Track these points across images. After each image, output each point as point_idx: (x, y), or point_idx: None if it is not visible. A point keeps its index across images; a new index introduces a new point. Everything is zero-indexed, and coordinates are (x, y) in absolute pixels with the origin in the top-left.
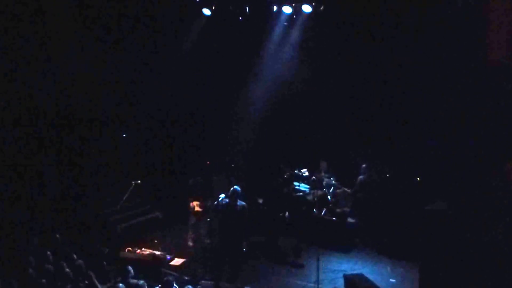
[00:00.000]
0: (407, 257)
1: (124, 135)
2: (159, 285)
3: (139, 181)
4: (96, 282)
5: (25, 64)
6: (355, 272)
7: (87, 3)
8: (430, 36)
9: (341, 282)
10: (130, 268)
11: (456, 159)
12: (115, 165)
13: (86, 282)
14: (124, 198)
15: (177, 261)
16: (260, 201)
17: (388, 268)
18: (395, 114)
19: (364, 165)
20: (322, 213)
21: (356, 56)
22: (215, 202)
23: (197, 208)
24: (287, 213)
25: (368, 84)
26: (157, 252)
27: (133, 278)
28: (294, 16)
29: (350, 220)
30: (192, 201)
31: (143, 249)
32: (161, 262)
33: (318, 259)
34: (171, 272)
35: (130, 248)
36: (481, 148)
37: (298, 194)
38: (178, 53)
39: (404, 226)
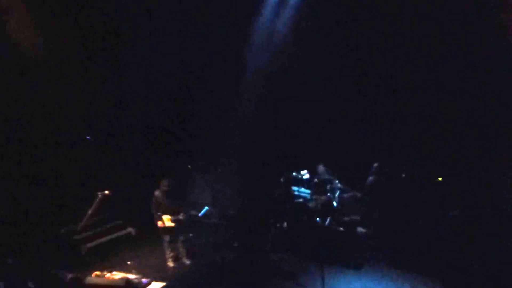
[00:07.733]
0: (429, 272)
1: (88, 137)
2: None
3: (106, 192)
4: None
5: None
6: None
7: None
8: (433, 26)
9: None
10: None
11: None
12: (78, 173)
13: None
14: (90, 212)
15: (155, 286)
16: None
17: (407, 286)
18: (397, 109)
19: (375, 164)
20: (327, 222)
21: (355, 49)
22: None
23: (169, 224)
24: (285, 223)
25: (367, 79)
26: (131, 276)
27: None
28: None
29: (360, 229)
30: (161, 217)
31: (113, 272)
32: None
33: (323, 278)
34: None
35: (98, 272)
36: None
37: (297, 200)
38: (158, 47)
39: (425, 236)
